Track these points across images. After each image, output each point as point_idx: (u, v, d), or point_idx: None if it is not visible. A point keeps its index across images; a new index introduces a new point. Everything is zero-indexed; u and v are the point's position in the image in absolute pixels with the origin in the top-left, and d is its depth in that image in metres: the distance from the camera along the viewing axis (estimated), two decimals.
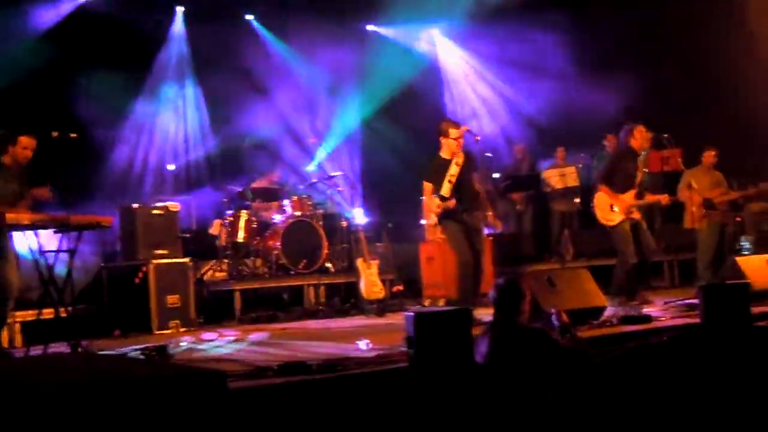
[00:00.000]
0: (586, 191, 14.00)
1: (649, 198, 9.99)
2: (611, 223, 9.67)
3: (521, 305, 5.85)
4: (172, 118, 13.80)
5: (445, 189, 8.81)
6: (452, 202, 8.77)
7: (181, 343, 7.97)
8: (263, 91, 13.94)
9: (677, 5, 14.90)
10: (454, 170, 8.86)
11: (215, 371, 4.09)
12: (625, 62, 14.79)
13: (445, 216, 8.84)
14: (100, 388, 3.68)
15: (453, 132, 8.93)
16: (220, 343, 8.03)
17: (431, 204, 8.91)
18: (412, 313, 5.51)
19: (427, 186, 8.98)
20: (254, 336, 8.52)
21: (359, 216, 11.68)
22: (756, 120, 15.58)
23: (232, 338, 8.43)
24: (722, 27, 15.04)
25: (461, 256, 8.84)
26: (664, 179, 12.31)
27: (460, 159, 8.89)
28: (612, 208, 9.64)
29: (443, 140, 8.94)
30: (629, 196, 9.59)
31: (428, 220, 9.09)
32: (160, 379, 3.81)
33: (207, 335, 8.71)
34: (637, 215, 9.67)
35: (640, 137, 9.69)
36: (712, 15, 14.84)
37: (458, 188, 8.83)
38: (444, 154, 8.98)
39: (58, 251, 7.35)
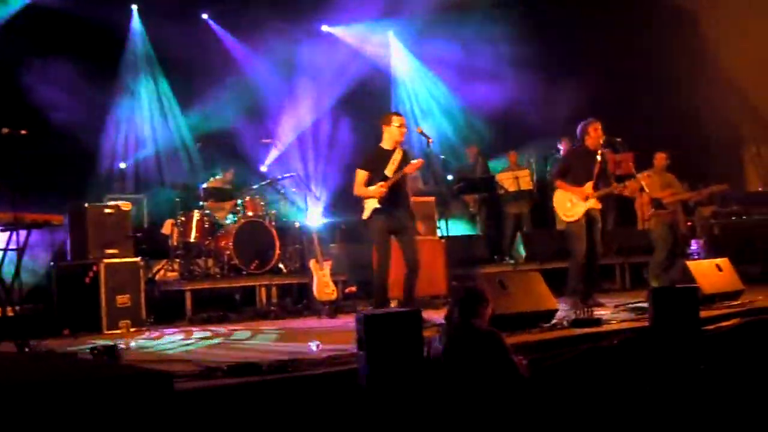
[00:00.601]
0: (540, 192, 14.16)
1: (614, 187, 10.05)
2: (570, 219, 9.76)
3: (482, 309, 5.88)
4: (125, 116, 13.65)
5: (390, 170, 8.72)
6: (407, 169, 8.68)
7: (132, 343, 7.88)
8: (217, 90, 13.86)
9: (631, 12, 15.09)
10: (397, 156, 8.81)
11: (161, 372, 4.04)
12: (578, 66, 14.93)
13: (377, 212, 8.72)
14: (44, 388, 3.62)
15: (396, 119, 8.88)
16: (171, 344, 7.95)
17: (370, 190, 8.71)
18: (362, 315, 5.49)
19: (361, 175, 8.83)
20: (205, 337, 8.45)
21: (312, 217, 11.63)
22: (707, 123, 15.83)
23: (182, 338, 8.35)
24: (674, 32, 15.25)
25: (379, 257, 8.72)
26: (616, 182, 12.43)
27: (399, 154, 8.84)
28: (571, 203, 9.73)
29: (385, 129, 8.86)
30: (587, 187, 9.70)
31: (366, 206, 8.85)
32: (105, 379, 3.75)
33: (157, 335, 8.64)
34: (597, 205, 9.75)
35: (594, 134, 9.78)
36: (664, 21, 15.04)
37: (392, 185, 8.72)
38: (385, 144, 8.90)
39: (6, 249, 7.23)
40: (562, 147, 14.21)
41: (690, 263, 9.48)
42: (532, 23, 15.01)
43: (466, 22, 14.96)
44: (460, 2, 14.99)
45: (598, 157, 9.88)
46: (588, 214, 9.72)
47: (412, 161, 8.79)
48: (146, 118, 14.03)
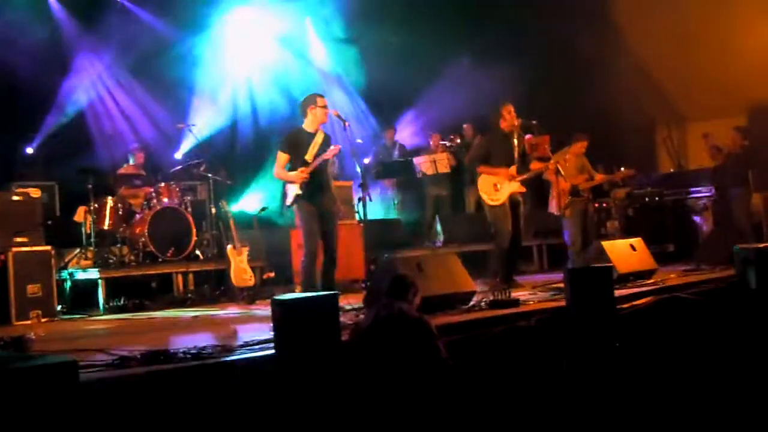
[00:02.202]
0: (457, 176, 14.22)
1: (535, 166, 10.14)
2: (496, 203, 9.87)
3: (410, 295, 5.92)
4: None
5: (311, 154, 8.54)
6: (327, 155, 8.55)
7: (42, 334, 7.67)
8: (132, 74, 13.61)
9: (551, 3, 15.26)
10: (318, 139, 8.65)
11: (66, 361, 3.91)
12: (491, 52, 15.02)
13: (304, 195, 8.54)
14: None
15: (320, 100, 8.69)
16: (84, 333, 7.78)
17: (290, 175, 8.54)
18: (278, 299, 5.42)
19: (282, 157, 8.65)
20: (119, 326, 8.30)
21: (228, 202, 11.47)
22: (620, 106, 16.08)
23: (96, 327, 8.19)
24: (585, 16, 15.44)
25: (310, 243, 8.50)
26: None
27: (320, 138, 8.69)
28: (496, 188, 9.82)
29: (310, 110, 8.65)
30: (512, 168, 9.79)
31: (289, 191, 8.68)
32: (3, 371, 3.63)
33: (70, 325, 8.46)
34: (520, 189, 9.86)
35: (508, 116, 9.88)
36: (575, 5, 15.21)
37: (314, 170, 8.56)
38: (307, 126, 8.71)
39: None
40: (465, 131, 14.38)
41: (605, 243, 9.62)
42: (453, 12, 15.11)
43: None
44: None
45: (515, 140, 9.97)
46: (511, 198, 9.84)
47: (331, 146, 8.68)
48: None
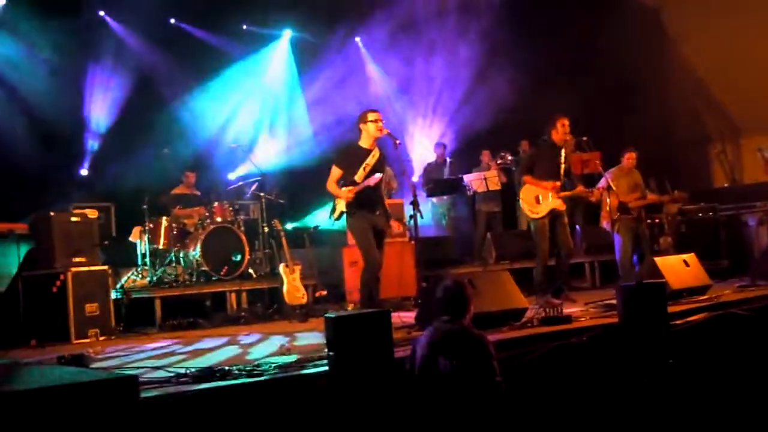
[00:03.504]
0: (509, 193, 14.20)
1: (580, 190, 10.15)
2: (536, 216, 9.89)
3: (468, 313, 5.81)
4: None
5: (360, 176, 8.66)
6: (370, 181, 8.61)
7: (100, 352, 7.81)
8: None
9: (593, 12, 15.21)
10: (371, 160, 8.73)
11: (126, 377, 4.00)
12: (543, 69, 15.02)
13: (353, 211, 8.64)
14: (5, 397, 3.59)
15: (371, 115, 8.76)
16: (141, 351, 7.90)
17: (340, 191, 8.63)
18: (331, 317, 5.48)
19: (336, 172, 8.74)
20: (175, 343, 8.40)
21: (281, 221, 11.59)
22: (673, 121, 15.95)
23: (152, 345, 8.30)
24: (638, 30, 15.37)
25: (368, 255, 8.60)
26: (584, 182, 12.49)
27: (377, 153, 8.78)
28: (537, 200, 9.84)
29: (362, 127, 8.75)
30: (551, 186, 9.79)
31: (338, 205, 8.76)
32: (69, 386, 3.72)
33: (127, 343, 8.58)
34: (561, 207, 9.85)
35: (561, 129, 9.89)
36: (628, 19, 15.17)
37: (362, 189, 8.64)
38: (363, 142, 8.81)
39: None
40: (522, 150, 14.36)
41: (658, 259, 9.52)
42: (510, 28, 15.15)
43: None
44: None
45: (563, 154, 9.97)
46: (552, 213, 9.83)
47: (375, 174, 8.75)
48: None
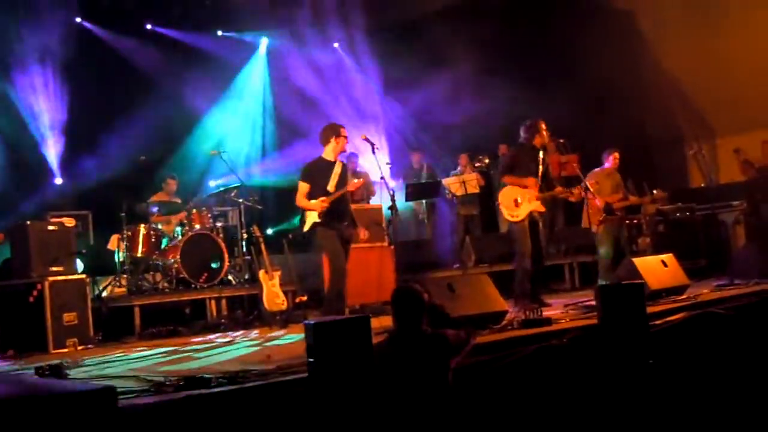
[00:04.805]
0: (487, 197, 14.22)
1: (559, 191, 10.18)
2: (515, 219, 9.87)
3: (420, 311, 5.72)
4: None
5: (332, 185, 8.84)
6: (334, 197, 8.76)
7: (79, 361, 7.76)
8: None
9: (567, 14, 15.27)
10: (338, 169, 8.93)
11: (104, 387, 3.97)
12: (522, 72, 15.06)
13: (322, 222, 8.81)
14: None
15: (342, 130, 8.96)
16: (120, 360, 7.85)
17: (313, 203, 8.79)
18: (311, 323, 5.46)
19: (303, 187, 8.90)
20: (155, 351, 8.36)
21: (259, 227, 11.55)
22: (649, 122, 16.03)
23: (131, 354, 8.25)
24: (613, 33, 15.45)
25: (337, 264, 8.81)
26: (562, 184, 12.52)
27: (339, 167, 8.97)
28: (516, 203, 9.84)
29: (332, 140, 8.90)
30: (532, 182, 9.82)
31: (308, 217, 8.92)
32: (45, 397, 3.70)
33: (106, 352, 8.53)
34: (540, 208, 9.86)
35: (544, 132, 9.92)
36: (602, 22, 15.25)
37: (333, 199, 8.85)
38: (327, 155, 8.98)
39: None
40: (501, 153, 14.41)
41: (636, 260, 9.57)
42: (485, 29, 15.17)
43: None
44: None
45: (542, 155, 9.99)
46: (531, 216, 9.84)
47: (354, 180, 8.89)
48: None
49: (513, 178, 10.01)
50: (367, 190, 12.87)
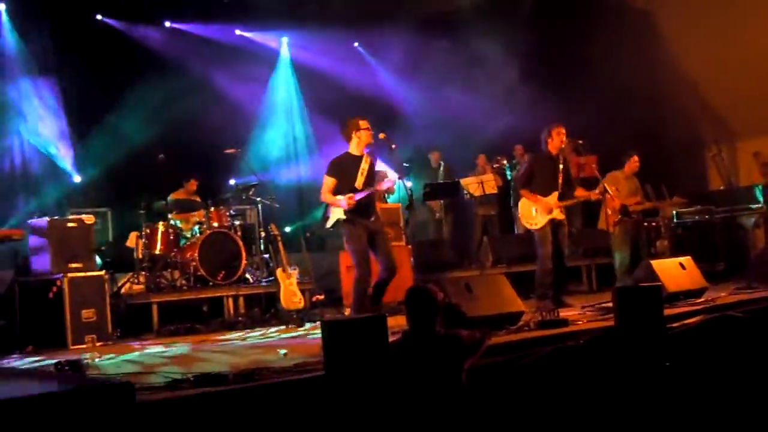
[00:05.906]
0: (505, 197, 14.22)
1: (580, 193, 10.15)
2: (535, 227, 9.86)
3: (434, 311, 5.67)
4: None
5: (359, 182, 8.68)
6: (364, 193, 8.63)
7: (97, 357, 7.80)
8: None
9: (585, 15, 15.23)
10: (365, 165, 8.76)
11: (122, 383, 4.01)
12: (536, 73, 15.04)
13: (351, 218, 8.65)
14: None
15: (363, 123, 8.79)
16: (138, 356, 7.89)
17: (338, 199, 8.63)
18: (326, 322, 5.48)
19: (329, 182, 8.74)
20: (172, 348, 8.40)
21: (278, 226, 11.59)
22: (668, 125, 15.97)
23: (149, 351, 8.29)
24: (631, 34, 15.39)
25: (362, 263, 8.66)
26: (580, 185, 12.50)
27: (366, 163, 8.80)
28: (534, 212, 9.83)
29: (354, 134, 8.76)
30: (552, 198, 9.77)
31: (332, 213, 8.79)
32: (64, 392, 3.73)
33: (124, 348, 8.57)
34: (560, 216, 9.85)
35: (557, 138, 9.86)
36: (620, 23, 15.20)
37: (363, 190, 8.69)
38: (353, 150, 8.83)
39: None
40: (516, 153, 14.40)
41: (654, 262, 9.55)
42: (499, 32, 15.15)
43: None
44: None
45: (561, 164, 9.94)
46: (552, 222, 9.81)
47: (386, 179, 8.76)
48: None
49: (530, 193, 9.95)
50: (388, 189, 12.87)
